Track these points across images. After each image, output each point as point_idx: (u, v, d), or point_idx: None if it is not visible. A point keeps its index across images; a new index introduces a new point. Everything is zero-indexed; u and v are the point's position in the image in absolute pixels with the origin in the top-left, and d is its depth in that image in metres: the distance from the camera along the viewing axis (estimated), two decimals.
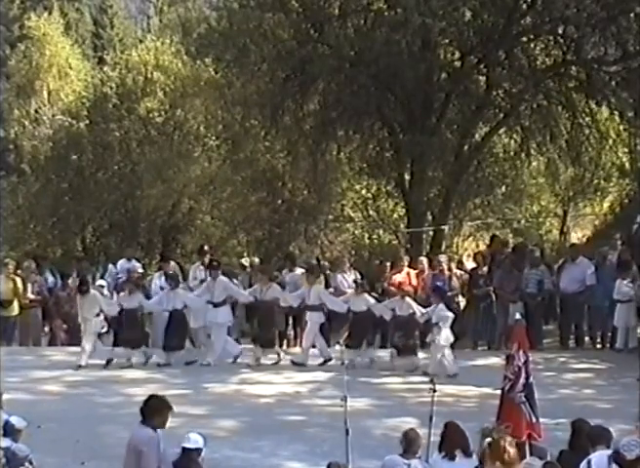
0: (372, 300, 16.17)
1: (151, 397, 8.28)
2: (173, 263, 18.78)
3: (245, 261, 19.43)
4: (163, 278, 17.69)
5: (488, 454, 6.59)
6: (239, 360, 16.13)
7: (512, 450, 6.45)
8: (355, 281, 17.05)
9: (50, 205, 25.08)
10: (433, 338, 15.32)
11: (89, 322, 15.82)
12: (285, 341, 17.78)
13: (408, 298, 15.99)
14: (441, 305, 15.56)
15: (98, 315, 15.90)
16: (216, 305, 16.17)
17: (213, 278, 16.29)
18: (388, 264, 18.32)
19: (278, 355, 16.14)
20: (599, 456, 7.50)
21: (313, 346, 16.21)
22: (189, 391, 14.07)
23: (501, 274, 17.53)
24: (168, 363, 15.84)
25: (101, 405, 13.40)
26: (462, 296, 18.00)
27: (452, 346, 16.97)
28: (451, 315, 15.46)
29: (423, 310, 15.78)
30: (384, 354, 16.20)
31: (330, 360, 15.69)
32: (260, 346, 16.10)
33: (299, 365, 15.78)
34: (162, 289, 17.03)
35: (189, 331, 16.75)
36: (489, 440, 6.67)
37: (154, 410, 8.08)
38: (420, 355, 15.79)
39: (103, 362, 15.81)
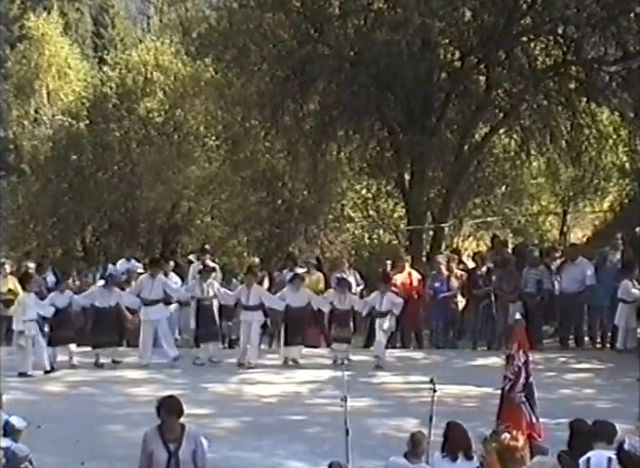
0: (312, 294, 16.24)
1: (168, 397, 8.25)
2: (172, 263, 18.79)
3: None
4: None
5: (499, 460, 6.48)
6: (236, 360, 16.09)
7: (524, 452, 6.37)
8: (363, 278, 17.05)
9: (50, 205, 25.08)
10: (381, 325, 15.66)
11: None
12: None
13: (348, 293, 16.05)
14: (390, 293, 15.83)
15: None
16: (151, 303, 16.11)
17: (152, 276, 16.25)
18: (389, 262, 18.30)
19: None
20: (598, 456, 7.49)
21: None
22: (189, 391, 14.04)
23: (501, 274, 17.53)
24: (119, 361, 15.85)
25: (102, 405, 13.40)
26: (462, 296, 17.99)
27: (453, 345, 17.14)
28: (401, 301, 15.86)
29: (363, 302, 15.94)
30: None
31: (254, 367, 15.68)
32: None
33: (248, 367, 15.73)
34: None
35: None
36: (495, 445, 6.55)
37: (173, 410, 8.06)
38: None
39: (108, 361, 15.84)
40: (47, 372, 15.21)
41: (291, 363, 15.89)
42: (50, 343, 15.74)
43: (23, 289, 16.21)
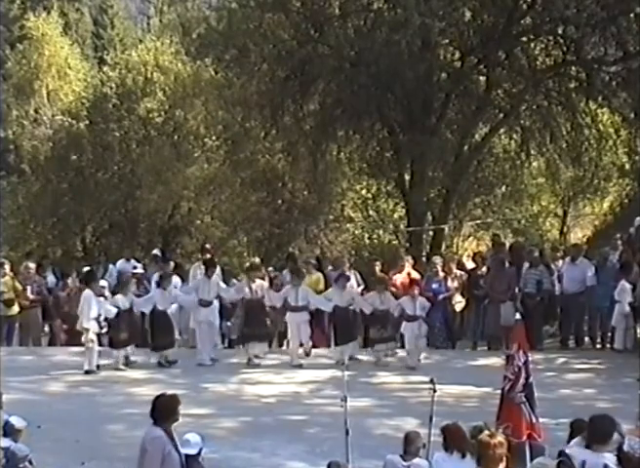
0: (357, 295, 16.25)
1: (159, 397, 8.23)
2: (172, 264, 18.78)
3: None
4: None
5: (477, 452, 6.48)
6: (239, 360, 16.10)
7: (499, 450, 6.31)
8: (362, 277, 17.08)
9: (50, 205, 25.09)
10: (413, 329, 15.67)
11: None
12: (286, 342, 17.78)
13: (387, 293, 16.05)
14: (421, 298, 15.87)
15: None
16: (207, 304, 16.17)
17: (207, 276, 16.28)
18: (379, 263, 18.27)
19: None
20: (595, 460, 7.49)
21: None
22: (189, 391, 14.03)
23: (494, 273, 17.51)
24: (175, 361, 15.83)
25: (102, 405, 13.39)
26: (462, 297, 17.99)
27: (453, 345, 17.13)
28: (428, 305, 15.98)
29: (396, 302, 15.94)
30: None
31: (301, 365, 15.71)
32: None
33: (299, 366, 15.76)
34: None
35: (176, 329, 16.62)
36: (473, 441, 6.56)
37: (163, 410, 8.06)
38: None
39: (109, 362, 15.83)
40: (87, 373, 15.20)
41: (347, 362, 15.74)
42: (111, 345, 15.83)
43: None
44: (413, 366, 15.46)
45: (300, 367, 15.62)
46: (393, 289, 16.89)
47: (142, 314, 16.14)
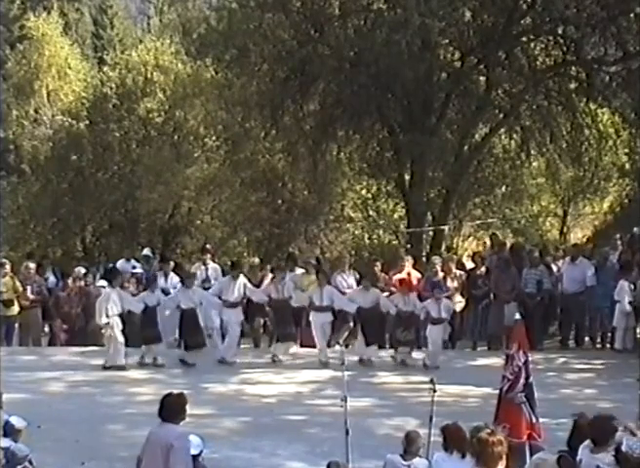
0: (382, 295, 16.23)
1: (167, 396, 8.26)
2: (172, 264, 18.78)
3: (147, 251, 19.66)
4: (163, 279, 17.69)
5: (475, 451, 6.47)
6: (239, 360, 16.11)
7: (498, 448, 6.30)
8: (360, 277, 17.09)
9: (50, 205, 25.09)
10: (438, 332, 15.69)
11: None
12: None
13: (412, 294, 16.06)
14: (446, 300, 15.92)
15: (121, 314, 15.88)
16: (232, 305, 16.20)
17: (233, 278, 16.31)
18: (378, 263, 18.28)
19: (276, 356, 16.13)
20: (590, 460, 7.49)
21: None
22: (190, 391, 13.88)
23: (498, 274, 17.53)
24: (193, 363, 15.83)
25: (102, 405, 13.40)
26: (462, 297, 17.99)
27: (453, 345, 17.11)
28: (452, 307, 16.15)
29: (422, 304, 15.92)
30: (384, 353, 16.22)
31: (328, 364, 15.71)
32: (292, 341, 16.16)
33: (324, 364, 15.76)
34: (162, 289, 17.01)
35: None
36: (474, 439, 6.53)
37: (173, 409, 8.08)
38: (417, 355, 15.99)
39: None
40: (106, 368, 15.27)
41: (367, 362, 15.78)
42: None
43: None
44: (436, 365, 15.43)
45: (327, 365, 15.55)
46: (393, 288, 16.90)
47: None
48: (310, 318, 16.33)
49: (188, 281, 16.36)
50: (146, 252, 19.97)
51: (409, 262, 17.97)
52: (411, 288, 16.60)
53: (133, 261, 19.53)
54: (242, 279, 16.37)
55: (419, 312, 15.89)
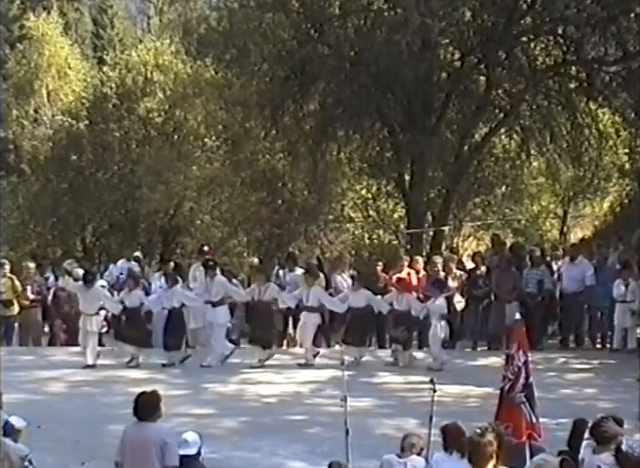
0: (371, 295, 16.21)
1: (141, 394, 8.28)
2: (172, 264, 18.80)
3: (138, 253, 19.61)
4: (163, 278, 17.71)
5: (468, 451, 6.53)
6: (239, 360, 16.11)
7: (489, 448, 6.36)
8: (352, 276, 17.07)
9: (50, 205, 25.09)
10: (434, 332, 15.58)
11: (89, 319, 15.80)
12: (285, 341, 17.76)
13: (407, 294, 16.04)
14: (441, 298, 15.78)
15: (98, 313, 15.90)
16: (214, 305, 16.17)
17: (210, 277, 16.28)
18: (380, 263, 18.29)
19: (268, 357, 16.09)
20: (591, 459, 7.50)
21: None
22: (190, 391, 14.06)
23: (499, 273, 17.53)
24: (172, 363, 15.83)
25: (102, 405, 13.38)
26: (462, 297, 17.99)
27: (453, 345, 17.08)
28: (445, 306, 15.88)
29: (421, 305, 15.89)
30: (383, 354, 16.22)
31: (312, 365, 15.73)
32: (261, 347, 16.07)
33: (305, 365, 15.76)
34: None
35: (187, 330, 16.66)
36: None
37: (149, 407, 8.10)
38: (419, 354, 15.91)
39: (110, 362, 15.85)
40: (87, 367, 15.41)
41: (352, 361, 15.76)
42: (116, 337, 16.02)
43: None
44: (439, 368, 15.33)
45: (312, 366, 15.63)
46: (392, 288, 16.89)
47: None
48: (301, 317, 16.33)
49: (170, 281, 16.34)
50: (136, 253, 19.96)
51: (416, 262, 17.94)
52: (409, 288, 16.60)
53: (133, 262, 19.56)
54: (220, 278, 16.33)
55: (417, 312, 15.90)
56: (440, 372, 14.18)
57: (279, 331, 17.18)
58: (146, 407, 8.10)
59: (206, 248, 19.09)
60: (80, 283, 16.27)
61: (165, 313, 16.37)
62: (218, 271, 16.52)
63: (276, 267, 18.33)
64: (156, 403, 8.18)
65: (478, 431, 6.38)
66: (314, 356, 15.99)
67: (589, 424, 8.05)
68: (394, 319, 16.00)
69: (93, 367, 15.54)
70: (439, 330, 15.61)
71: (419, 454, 8.82)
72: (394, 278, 17.25)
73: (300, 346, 16.61)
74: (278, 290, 16.43)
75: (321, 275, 17.69)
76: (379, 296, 16.29)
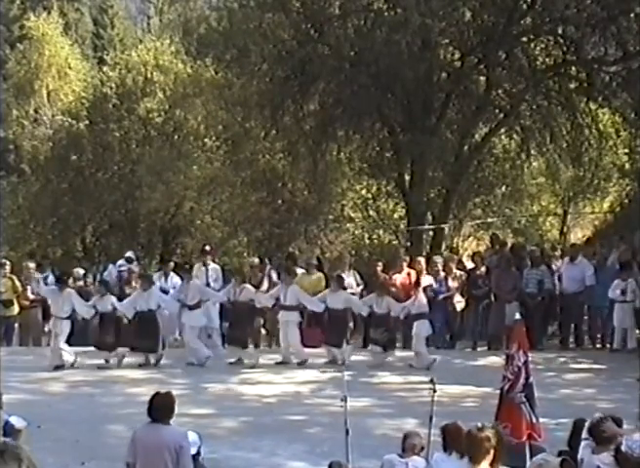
0: (349, 297, 16.21)
1: (156, 395, 8.22)
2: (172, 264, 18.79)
3: (130, 253, 19.60)
4: (163, 279, 17.72)
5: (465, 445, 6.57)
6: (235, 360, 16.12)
7: (486, 444, 6.39)
8: (330, 277, 16.98)
9: (50, 205, 25.07)
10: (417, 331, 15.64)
11: (59, 322, 15.71)
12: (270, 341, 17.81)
13: (386, 296, 16.04)
14: (421, 298, 15.90)
15: (70, 316, 15.86)
16: (190, 308, 16.14)
17: (186, 281, 16.28)
18: (380, 263, 18.30)
19: (241, 358, 16.11)
20: (590, 459, 7.50)
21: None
22: (190, 391, 14.06)
23: (499, 273, 17.53)
24: (148, 363, 15.83)
25: (102, 405, 13.40)
26: (462, 297, 18.00)
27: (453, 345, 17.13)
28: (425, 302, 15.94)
29: (401, 305, 15.90)
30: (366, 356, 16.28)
31: (287, 363, 15.74)
32: (240, 347, 16.12)
33: (302, 364, 15.78)
34: (162, 289, 17.05)
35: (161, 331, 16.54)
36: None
37: (164, 408, 8.08)
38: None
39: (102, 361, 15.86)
40: (56, 368, 15.37)
41: (347, 363, 15.78)
42: (97, 347, 16.00)
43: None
44: (426, 367, 15.38)
45: (287, 364, 15.69)
46: (393, 289, 16.90)
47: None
48: (278, 317, 16.32)
49: (145, 284, 16.33)
50: (129, 254, 19.92)
51: (417, 263, 17.94)
52: (409, 293, 16.64)
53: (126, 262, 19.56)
54: (195, 281, 16.41)
55: (397, 313, 15.91)
56: (440, 372, 14.16)
57: (258, 331, 17.27)
58: (161, 408, 8.03)
59: (207, 247, 19.12)
60: (53, 287, 16.26)
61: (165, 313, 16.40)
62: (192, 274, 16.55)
63: (268, 267, 18.30)
64: (171, 404, 8.10)
65: (478, 426, 6.43)
66: (303, 362, 15.94)
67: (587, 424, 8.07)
68: (374, 321, 16.03)
69: (62, 367, 15.48)
70: (422, 329, 15.65)
71: (418, 454, 8.84)
72: (394, 280, 17.28)
73: (278, 345, 16.59)
74: (254, 290, 16.41)
75: (321, 275, 17.74)
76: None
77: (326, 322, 16.32)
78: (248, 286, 16.41)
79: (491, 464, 6.33)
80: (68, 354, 15.74)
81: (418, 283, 16.72)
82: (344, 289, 16.41)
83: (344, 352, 15.85)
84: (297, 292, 16.20)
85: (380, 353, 15.90)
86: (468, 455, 6.39)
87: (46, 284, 18.20)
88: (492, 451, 6.32)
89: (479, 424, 6.47)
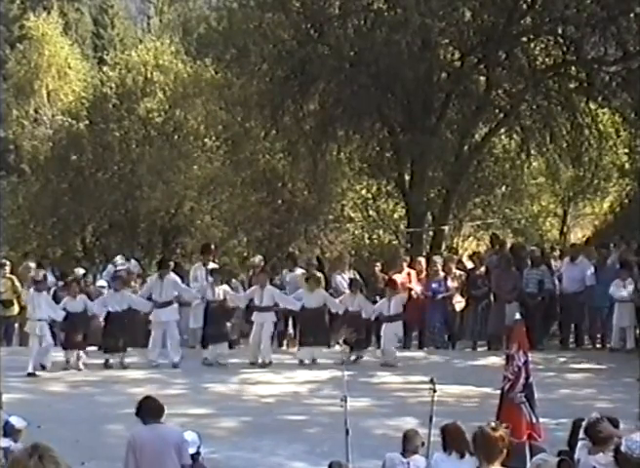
0: (327, 295, 16.25)
1: (145, 399, 8.33)
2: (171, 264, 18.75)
3: (119, 258, 19.44)
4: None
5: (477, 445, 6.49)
6: (239, 360, 16.10)
7: (500, 444, 6.33)
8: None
9: (50, 205, 25.08)
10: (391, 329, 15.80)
11: (39, 324, 15.57)
12: (285, 341, 17.76)
13: (360, 295, 16.12)
14: (397, 296, 15.98)
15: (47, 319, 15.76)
16: (162, 305, 16.10)
17: (161, 277, 16.21)
18: (379, 263, 18.31)
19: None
20: (586, 459, 7.50)
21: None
22: (189, 391, 14.07)
23: (499, 273, 17.54)
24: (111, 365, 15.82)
25: (102, 404, 13.39)
26: (462, 297, 18.00)
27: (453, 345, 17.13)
28: (404, 296, 16.13)
29: (372, 307, 15.98)
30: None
31: (270, 364, 15.73)
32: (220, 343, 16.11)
33: (264, 366, 15.76)
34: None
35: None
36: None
37: (155, 410, 8.16)
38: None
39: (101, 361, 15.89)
40: (43, 368, 15.33)
41: (307, 363, 15.86)
42: (63, 346, 15.90)
43: (37, 290, 16.15)
44: (392, 364, 15.57)
45: (254, 365, 15.69)
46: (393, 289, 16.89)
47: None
48: (253, 318, 16.29)
49: (116, 284, 16.29)
50: (117, 257, 19.82)
51: (418, 263, 17.94)
52: (402, 288, 16.67)
53: (133, 261, 19.54)
54: (171, 277, 16.27)
55: (368, 314, 15.93)
56: (440, 372, 14.15)
57: (280, 331, 17.23)
58: (155, 408, 8.22)
59: (212, 246, 19.07)
60: (32, 290, 16.23)
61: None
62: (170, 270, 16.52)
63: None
64: (160, 404, 8.29)
65: (492, 425, 6.35)
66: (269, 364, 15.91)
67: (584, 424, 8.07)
68: (347, 320, 16.06)
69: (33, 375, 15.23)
70: (391, 329, 15.75)
71: (418, 451, 8.86)
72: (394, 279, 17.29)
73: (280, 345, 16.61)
74: (228, 289, 16.38)
75: (320, 275, 17.71)
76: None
77: (301, 322, 16.37)
78: (225, 286, 16.38)
79: (502, 464, 6.29)
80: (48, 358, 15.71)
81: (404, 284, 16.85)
82: (324, 288, 16.46)
83: (343, 352, 15.87)
84: (272, 292, 16.20)
85: (392, 352, 15.92)
86: (481, 455, 6.28)
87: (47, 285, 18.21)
88: (505, 451, 6.27)
89: (492, 424, 6.41)
